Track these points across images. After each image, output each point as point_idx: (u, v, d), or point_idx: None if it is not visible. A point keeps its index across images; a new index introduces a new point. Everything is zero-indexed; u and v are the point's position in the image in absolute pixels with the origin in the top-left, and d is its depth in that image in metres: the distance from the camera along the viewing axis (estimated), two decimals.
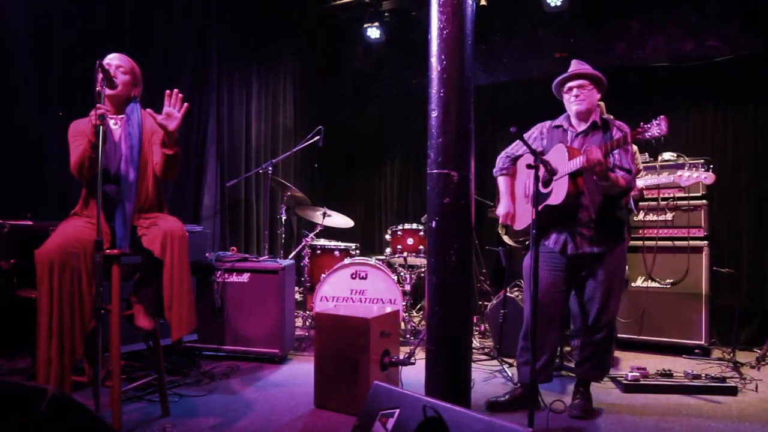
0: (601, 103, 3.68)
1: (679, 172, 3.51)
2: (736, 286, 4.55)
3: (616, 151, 2.66)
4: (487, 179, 5.75)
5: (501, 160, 3.05)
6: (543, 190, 2.71)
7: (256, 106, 5.70)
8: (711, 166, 3.44)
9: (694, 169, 3.50)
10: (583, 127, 2.78)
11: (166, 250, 2.36)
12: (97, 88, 2.25)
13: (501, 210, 3.03)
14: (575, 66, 2.82)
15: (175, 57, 4.70)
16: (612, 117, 2.90)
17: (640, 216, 4.26)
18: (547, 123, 2.93)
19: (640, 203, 4.20)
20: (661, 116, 2.31)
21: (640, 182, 3.75)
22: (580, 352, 2.88)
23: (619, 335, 3.89)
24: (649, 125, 2.35)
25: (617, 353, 3.96)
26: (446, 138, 2.38)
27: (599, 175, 2.53)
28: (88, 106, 2.33)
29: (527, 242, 3.25)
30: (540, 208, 2.66)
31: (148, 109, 2.47)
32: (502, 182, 3.05)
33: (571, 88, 2.77)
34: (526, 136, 2.91)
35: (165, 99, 2.38)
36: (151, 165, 2.56)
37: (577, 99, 2.75)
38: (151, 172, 2.56)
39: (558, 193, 2.65)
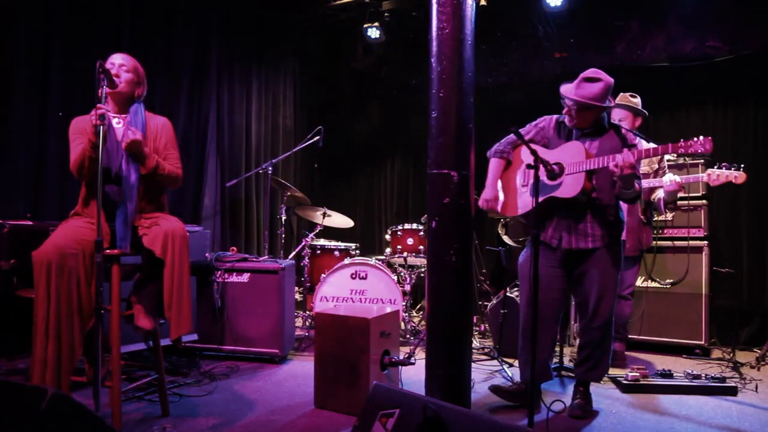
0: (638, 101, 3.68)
1: (709, 171, 3.43)
2: (736, 286, 4.55)
3: None
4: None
5: (501, 143, 2.97)
6: (549, 183, 2.69)
7: (256, 106, 5.70)
8: (742, 165, 3.37)
9: (724, 167, 3.44)
10: (586, 128, 2.78)
11: (167, 250, 2.36)
12: (98, 89, 2.25)
13: (486, 194, 2.89)
14: (590, 73, 2.73)
15: (175, 57, 4.70)
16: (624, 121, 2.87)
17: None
18: (555, 116, 2.91)
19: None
20: (707, 137, 2.35)
21: (678, 177, 3.61)
22: (578, 353, 2.89)
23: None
24: (692, 141, 2.39)
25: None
26: (446, 138, 2.38)
27: (625, 181, 2.55)
28: (88, 105, 2.33)
29: (527, 241, 3.23)
30: (542, 198, 2.64)
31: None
32: (494, 164, 2.95)
33: (567, 105, 2.77)
34: (528, 126, 2.91)
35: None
36: None
37: (568, 117, 2.78)
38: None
39: (572, 187, 2.63)
